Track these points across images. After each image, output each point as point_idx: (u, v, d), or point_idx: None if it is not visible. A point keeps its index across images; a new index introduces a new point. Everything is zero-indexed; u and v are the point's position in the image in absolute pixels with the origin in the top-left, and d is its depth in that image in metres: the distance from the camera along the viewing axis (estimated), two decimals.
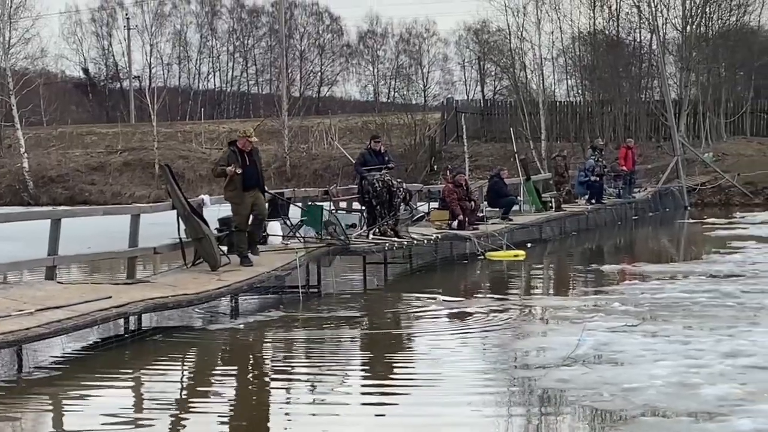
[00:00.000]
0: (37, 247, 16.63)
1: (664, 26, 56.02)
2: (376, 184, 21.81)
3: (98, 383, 12.35)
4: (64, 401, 11.65)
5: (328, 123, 64.05)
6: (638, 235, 34.44)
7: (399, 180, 23.18)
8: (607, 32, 59.26)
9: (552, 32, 58.23)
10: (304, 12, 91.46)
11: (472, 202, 26.20)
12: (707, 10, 56.48)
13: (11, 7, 60.95)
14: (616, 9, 58.53)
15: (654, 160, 49.16)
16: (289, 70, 79.26)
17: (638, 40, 59.46)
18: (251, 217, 18.00)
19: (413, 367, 13.08)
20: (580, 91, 60.74)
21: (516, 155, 34.95)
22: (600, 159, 34.83)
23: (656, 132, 54.88)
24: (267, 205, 18.83)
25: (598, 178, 34.37)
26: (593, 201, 34.52)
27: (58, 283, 15.41)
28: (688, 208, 42.78)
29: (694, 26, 55.90)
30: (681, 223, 37.33)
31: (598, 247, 30.43)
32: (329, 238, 20.44)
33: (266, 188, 18.61)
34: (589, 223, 33.88)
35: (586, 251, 29.43)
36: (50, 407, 11.46)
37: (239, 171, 17.48)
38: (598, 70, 58.55)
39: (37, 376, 12.62)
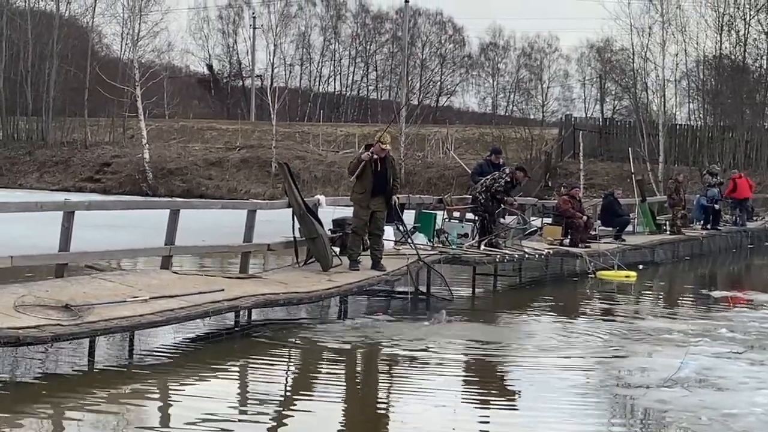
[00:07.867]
0: (151, 237, 16.99)
1: None
2: (479, 197, 21.80)
3: (206, 374, 12.63)
4: (172, 389, 11.94)
5: (445, 132, 64.16)
6: (752, 263, 33.94)
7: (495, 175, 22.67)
8: (732, 57, 58.53)
9: (676, 54, 57.70)
10: (428, 21, 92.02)
11: (585, 217, 26.17)
12: None
13: (142, 0, 62.32)
14: (744, 34, 57.81)
15: None
16: (410, 78, 79.53)
17: (764, 67, 58.63)
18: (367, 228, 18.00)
19: (517, 380, 13.18)
20: (701, 115, 59.97)
21: (633, 176, 34.72)
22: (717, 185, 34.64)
23: None
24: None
25: (716, 205, 34.11)
26: (709, 227, 34.17)
27: (173, 272, 15.71)
28: None
29: None
30: None
31: (710, 273, 30.09)
32: (441, 245, 20.55)
33: (395, 198, 18.41)
34: (703, 249, 33.46)
35: (697, 276, 29.12)
36: (158, 394, 11.74)
37: (375, 156, 17.53)
38: (721, 96, 57.83)
39: (147, 363, 12.92)
